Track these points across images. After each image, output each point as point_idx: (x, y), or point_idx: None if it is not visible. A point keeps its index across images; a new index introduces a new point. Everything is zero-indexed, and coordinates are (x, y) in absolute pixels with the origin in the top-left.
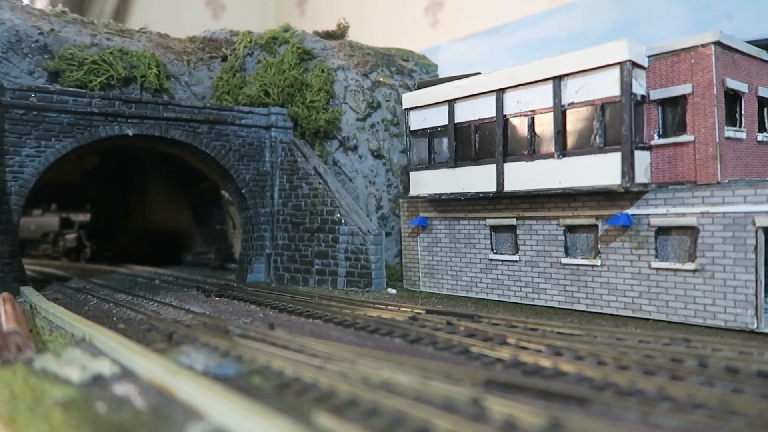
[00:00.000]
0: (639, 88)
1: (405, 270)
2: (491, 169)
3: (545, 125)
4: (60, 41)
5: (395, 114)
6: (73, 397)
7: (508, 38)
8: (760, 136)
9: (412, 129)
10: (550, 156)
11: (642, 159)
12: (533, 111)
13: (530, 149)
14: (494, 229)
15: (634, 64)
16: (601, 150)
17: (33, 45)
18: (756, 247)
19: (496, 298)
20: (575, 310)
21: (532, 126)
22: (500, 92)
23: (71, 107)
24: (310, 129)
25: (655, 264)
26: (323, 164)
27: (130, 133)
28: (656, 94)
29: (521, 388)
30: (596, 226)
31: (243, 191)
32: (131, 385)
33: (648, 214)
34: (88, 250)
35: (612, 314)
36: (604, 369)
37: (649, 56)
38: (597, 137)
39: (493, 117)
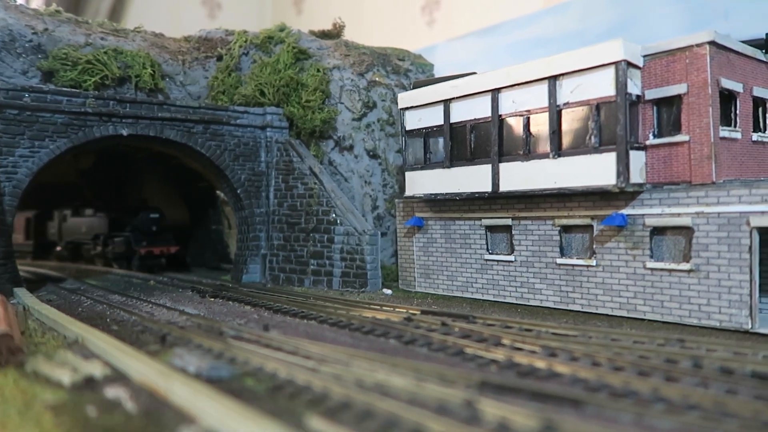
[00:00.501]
0: (634, 87)
1: (400, 270)
2: (487, 169)
3: (541, 125)
4: (54, 41)
5: (391, 114)
6: (63, 401)
7: (504, 37)
8: (755, 136)
9: (407, 129)
10: (545, 156)
11: (637, 159)
12: (529, 111)
13: (526, 149)
14: (490, 229)
15: (630, 64)
16: (596, 150)
17: (27, 44)
18: (750, 247)
19: (491, 298)
20: (570, 311)
21: (527, 126)
22: (496, 92)
23: (65, 107)
24: (306, 129)
25: (650, 264)
26: (319, 164)
27: (125, 133)
28: (651, 94)
29: (515, 390)
30: (591, 227)
31: (238, 191)
32: (123, 388)
33: (643, 214)
34: (136, 261)
35: (607, 314)
36: (598, 370)
37: (645, 56)
38: (592, 137)
39: (488, 117)
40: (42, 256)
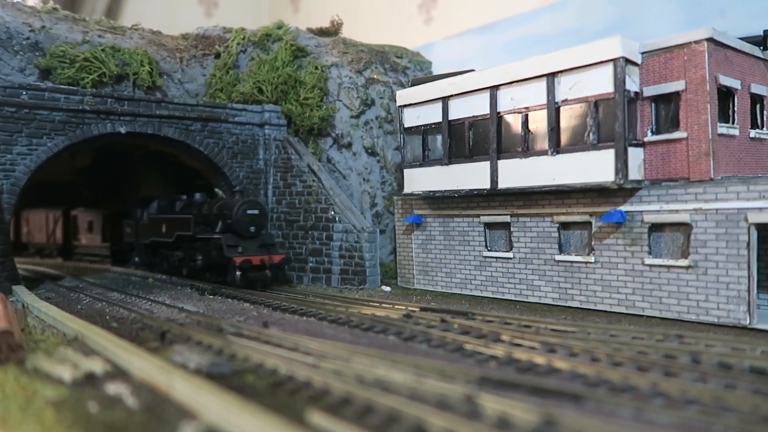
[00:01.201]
0: (632, 84)
1: (399, 267)
2: (485, 166)
3: (539, 122)
4: (51, 38)
5: (389, 111)
6: (64, 397)
7: (502, 35)
8: (752, 133)
9: (406, 126)
10: (543, 153)
11: (635, 156)
12: (527, 108)
13: (524, 146)
14: (488, 226)
15: (628, 61)
16: (594, 147)
17: (24, 42)
18: (749, 243)
19: (490, 295)
20: (569, 307)
21: (525, 123)
22: (494, 89)
23: (63, 105)
24: (304, 126)
25: (649, 260)
26: (317, 162)
27: (123, 130)
28: (649, 91)
29: (515, 385)
30: (590, 223)
31: (237, 189)
32: (124, 385)
33: (641, 211)
34: (237, 272)
35: (606, 311)
36: (597, 365)
37: (643, 53)
38: (590, 134)
39: (486, 114)
40: (121, 261)
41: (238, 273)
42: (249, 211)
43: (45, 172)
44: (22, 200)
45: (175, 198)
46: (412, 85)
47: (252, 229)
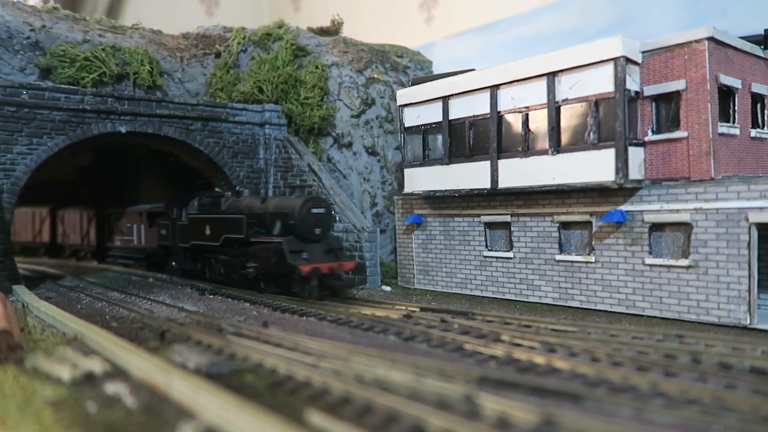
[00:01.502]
0: (633, 84)
1: (399, 267)
2: (485, 165)
3: (539, 121)
4: (52, 38)
5: (390, 111)
6: (63, 397)
7: (502, 35)
8: (753, 132)
9: (406, 126)
10: (544, 152)
11: (636, 155)
12: (527, 107)
13: (524, 146)
14: (488, 226)
15: (628, 60)
16: (595, 146)
17: (24, 41)
18: (749, 243)
19: (490, 295)
20: (569, 307)
21: (526, 122)
22: (494, 89)
23: (63, 104)
24: (305, 126)
25: (649, 260)
26: (317, 161)
27: (123, 130)
28: (650, 90)
29: (515, 385)
30: (590, 223)
31: (237, 188)
32: (123, 384)
33: (642, 211)
34: (314, 282)
35: (606, 311)
36: (597, 365)
37: (643, 52)
38: (591, 133)
39: (487, 113)
40: (157, 266)
41: (314, 283)
42: (314, 210)
43: (46, 171)
44: (59, 199)
45: (219, 195)
46: (413, 85)
47: (317, 231)
